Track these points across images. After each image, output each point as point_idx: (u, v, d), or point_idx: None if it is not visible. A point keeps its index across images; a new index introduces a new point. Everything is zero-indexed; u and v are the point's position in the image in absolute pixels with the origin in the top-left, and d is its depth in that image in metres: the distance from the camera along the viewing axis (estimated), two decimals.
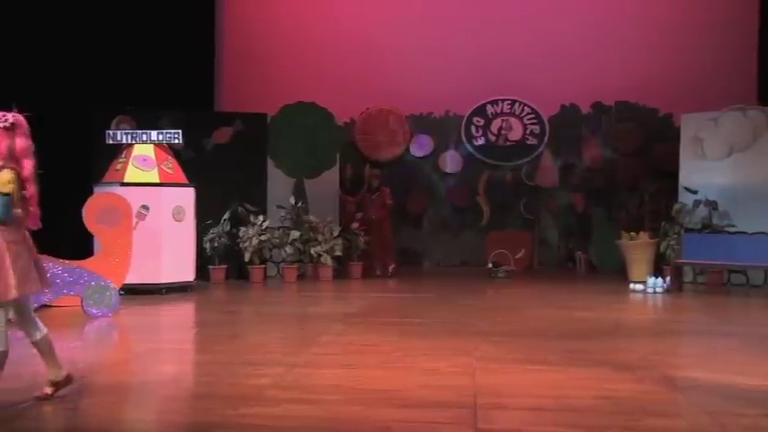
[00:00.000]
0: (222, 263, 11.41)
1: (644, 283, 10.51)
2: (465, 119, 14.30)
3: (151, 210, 9.60)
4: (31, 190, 4.29)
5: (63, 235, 8.86)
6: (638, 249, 11.52)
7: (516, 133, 14.24)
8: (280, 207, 11.93)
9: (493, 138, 14.26)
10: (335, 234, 11.81)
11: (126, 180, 9.64)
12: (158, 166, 9.91)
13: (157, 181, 9.81)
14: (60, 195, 9.27)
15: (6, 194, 4.16)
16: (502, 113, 14.29)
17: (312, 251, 11.68)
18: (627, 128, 13.67)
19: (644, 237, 11.60)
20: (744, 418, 4.20)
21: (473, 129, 14.31)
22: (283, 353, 6.08)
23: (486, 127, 14.29)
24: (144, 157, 9.91)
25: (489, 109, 14.34)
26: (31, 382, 4.70)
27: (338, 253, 11.79)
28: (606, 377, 5.18)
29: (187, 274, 10.06)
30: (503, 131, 14.25)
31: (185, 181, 10.19)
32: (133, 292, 9.21)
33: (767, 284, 10.99)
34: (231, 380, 5.06)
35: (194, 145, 11.47)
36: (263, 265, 11.52)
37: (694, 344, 7.03)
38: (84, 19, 11.67)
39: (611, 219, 13.34)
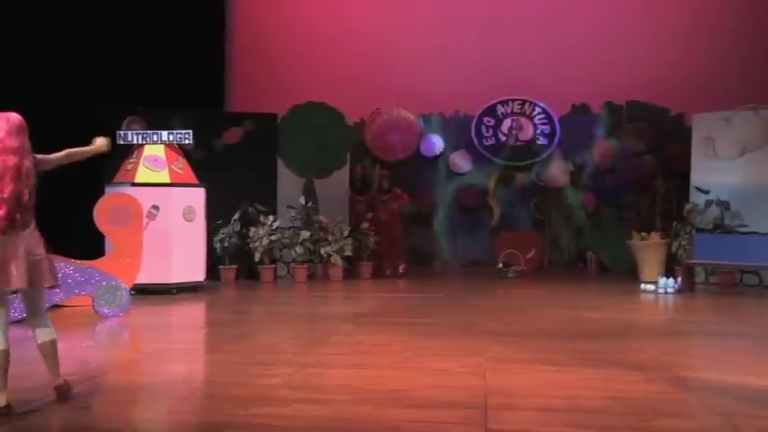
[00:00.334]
0: (232, 263, 11.43)
1: (655, 283, 10.46)
2: (475, 119, 14.26)
3: (162, 210, 9.64)
4: (6, 189, 4.21)
5: (74, 235, 8.90)
6: (649, 249, 11.47)
7: (527, 133, 14.20)
8: (290, 207, 11.95)
9: (503, 138, 14.24)
10: (345, 234, 11.82)
11: (137, 180, 9.67)
12: (169, 166, 9.95)
13: (168, 181, 9.84)
14: (72, 196, 9.39)
15: None
16: (512, 113, 14.27)
17: (322, 251, 11.70)
18: (638, 127, 13.60)
19: (655, 237, 11.55)
20: (757, 420, 4.17)
21: (483, 129, 14.28)
22: (293, 353, 6.09)
23: (497, 127, 14.27)
24: (155, 158, 9.94)
25: (500, 109, 14.30)
26: (42, 382, 4.70)
27: (348, 253, 11.79)
28: (617, 378, 5.15)
29: (197, 274, 10.10)
30: (513, 131, 14.21)
31: (196, 181, 10.21)
32: (144, 292, 9.24)
33: None
34: (241, 380, 5.07)
35: (205, 145, 11.47)
36: (273, 265, 11.53)
37: (706, 344, 6.99)
38: (94, 20, 11.76)
39: (621, 219, 13.25)
